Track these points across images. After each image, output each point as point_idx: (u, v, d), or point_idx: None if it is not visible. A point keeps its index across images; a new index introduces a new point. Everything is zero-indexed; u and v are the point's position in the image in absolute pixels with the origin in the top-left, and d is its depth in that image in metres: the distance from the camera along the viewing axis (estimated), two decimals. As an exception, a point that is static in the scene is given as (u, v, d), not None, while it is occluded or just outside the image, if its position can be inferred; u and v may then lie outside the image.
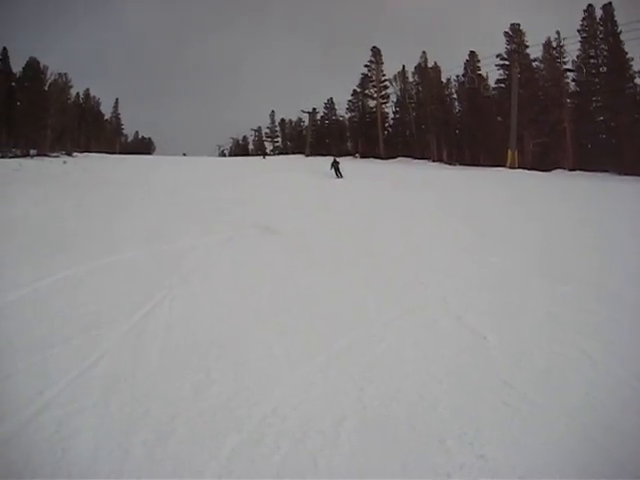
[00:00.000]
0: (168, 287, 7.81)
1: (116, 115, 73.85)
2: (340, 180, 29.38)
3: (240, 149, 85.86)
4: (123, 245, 10.18)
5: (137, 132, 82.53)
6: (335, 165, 31.88)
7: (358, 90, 63.42)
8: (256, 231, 12.16)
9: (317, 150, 61.38)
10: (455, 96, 56.21)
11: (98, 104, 69.69)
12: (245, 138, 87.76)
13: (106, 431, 4.09)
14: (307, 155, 59.97)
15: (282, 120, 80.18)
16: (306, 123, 70.98)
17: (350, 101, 64.55)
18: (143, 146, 79.20)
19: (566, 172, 40.00)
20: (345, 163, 36.30)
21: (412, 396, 4.83)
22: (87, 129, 63.84)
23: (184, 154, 66.19)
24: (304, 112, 69.25)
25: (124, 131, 77.20)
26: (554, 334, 6.41)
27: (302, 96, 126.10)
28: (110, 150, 59.71)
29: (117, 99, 74.22)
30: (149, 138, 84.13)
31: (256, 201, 17.26)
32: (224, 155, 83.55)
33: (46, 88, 53.27)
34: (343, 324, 6.55)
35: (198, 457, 3.81)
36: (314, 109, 69.53)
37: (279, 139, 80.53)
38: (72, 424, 4.16)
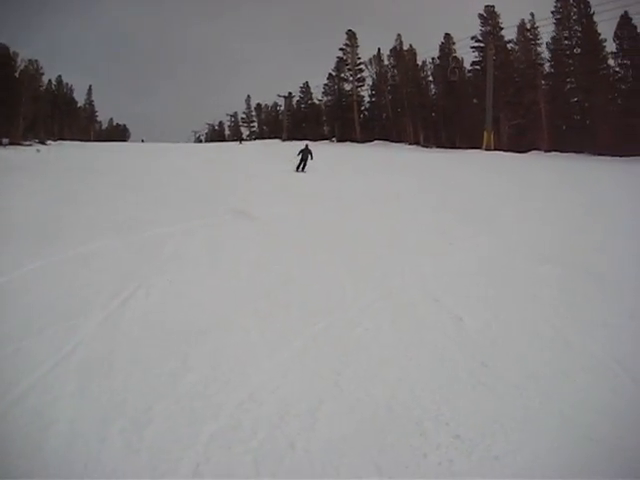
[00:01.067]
0: (144, 275, 7.72)
1: (90, 102, 72.96)
2: (302, 174, 23.54)
3: (216, 135, 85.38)
4: (98, 233, 10.03)
5: (111, 119, 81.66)
6: (304, 155, 24.77)
7: (334, 74, 63.25)
8: (232, 217, 12.09)
9: (294, 134, 61.20)
10: (431, 79, 56.15)
11: (71, 91, 68.77)
12: (221, 124, 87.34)
13: (82, 421, 4.04)
14: (284, 140, 59.82)
15: (258, 105, 79.88)
16: (282, 108, 70.70)
17: (326, 85, 64.41)
18: (118, 133, 78.37)
19: (542, 153, 40.27)
20: (322, 147, 36.14)
21: (389, 379, 4.85)
22: (60, 117, 62.92)
23: (142, 140, 65.56)
24: (280, 96, 69.10)
25: (98, 118, 76.29)
26: (531, 315, 6.50)
27: (278, 81, 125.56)
28: (84, 138, 58.95)
29: (90, 86, 73.38)
30: (124, 125, 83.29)
31: (232, 187, 17.12)
32: (200, 141, 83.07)
33: (17, 75, 52.29)
34: (320, 309, 6.54)
35: (175, 445, 3.79)
36: (290, 93, 69.34)
37: (255, 124, 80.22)
38: (48, 414, 4.11)
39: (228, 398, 4.43)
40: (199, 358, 5.17)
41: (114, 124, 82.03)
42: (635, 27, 41.86)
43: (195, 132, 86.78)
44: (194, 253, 9.12)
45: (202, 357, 5.20)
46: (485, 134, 42.28)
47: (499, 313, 6.53)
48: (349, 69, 61.94)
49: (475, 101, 48.23)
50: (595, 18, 43.88)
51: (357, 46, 61.44)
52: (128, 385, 4.60)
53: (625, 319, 6.38)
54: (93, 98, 73.15)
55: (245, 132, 79.91)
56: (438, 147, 49.14)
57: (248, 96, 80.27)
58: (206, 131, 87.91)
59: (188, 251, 9.21)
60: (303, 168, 24.63)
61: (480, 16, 50.11)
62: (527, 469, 3.68)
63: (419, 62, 56.86)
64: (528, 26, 48.45)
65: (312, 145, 26.99)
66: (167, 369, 4.91)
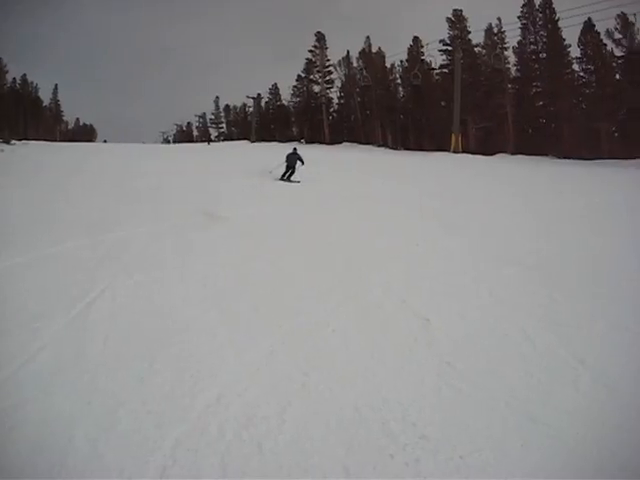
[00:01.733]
0: (112, 277, 7.68)
1: (55, 102, 71.72)
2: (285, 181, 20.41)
3: (184, 136, 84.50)
4: (64, 235, 9.93)
5: (78, 119, 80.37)
6: (290, 160, 21.03)
7: (303, 75, 63.02)
8: (202, 218, 12.03)
9: (262, 136, 60.98)
10: (399, 81, 56.39)
11: (36, 90, 67.51)
12: (189, 124, 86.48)
13: (48, 424, 4.01)
14: (252, 141, 59.51)
15: (227, 106, 79.31)
16: (251, 109, 70.43)
17: (295, 87, 64.15)
18: (85, 133, 77.12)
19: (508, 156, 40.73)
20: (289, 149, 35.98)
21: (356, 380, 4.89)
22: (25, 116, 61.77)
23: (104, 141, 64.58)
24: (249, 98, 68.66)
25: (64, 118, 75.02)
26: (496, 315, 6.60)
27: (247, 82, 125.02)
28: (50, 138, 57.92)
29: (56, 85, 71.92)
30: (91, 125, 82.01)
31: (201, 188, 17.02)
32: (168, 142, 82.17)
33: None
34: (288, 310, 6.59)
35: (142, 448, 3.79)
36: (259, 95, 68.97)
37: (224, 125, 79.67)
38: (13, 418, 4.07)
39: (195, 400, 4.43)
40: (166, 360, 5.16)
41: (80, 124, 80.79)
42: (598, 33, 42.60)
43: (163, 133, 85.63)
44: (162, 255, 9.07)
45: (169, 359, 5.19)
46: (453, 137, 42.64)
47: (465, 314, 6.62)
48: (318, 71, 61.85)
49: (443, 104, 48.54)
50: (560, 24, 44.57)
51: (326, 48, 61.41)
52: (94, 388, 4.58)
53: (587, 320, 6.49)
54: (59, 98, 71.94)
55: (213, 133, 79.34)
56: (406, 149, 49.38)
57: (217, 97, 79.62)
58: (174, 132, 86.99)
59: (156, 253, 9.16)
60: (289, 176, 20.63)
61: (448, 20, 50.45)
62: (491, 468, 3.74)
63: (388, 65, 57.08)
64: (495, 30, 48.93)
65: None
66: (134, 371, 4.90)
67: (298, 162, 21.12)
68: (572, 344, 5.74)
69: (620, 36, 41.79)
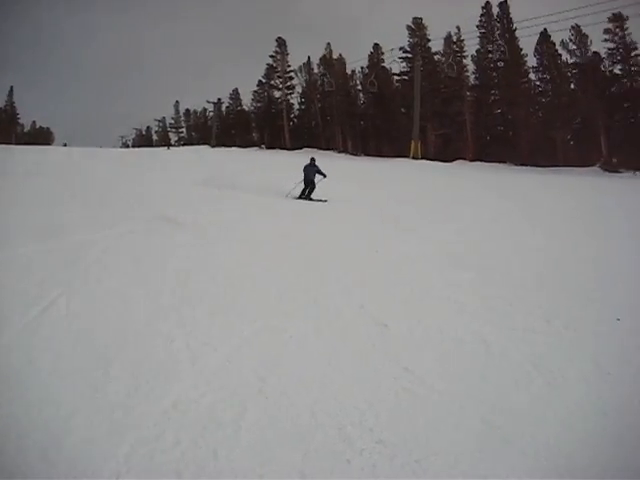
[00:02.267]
0: (66, 283, 7.48)
1: (11, 104, 70.33)
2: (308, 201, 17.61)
3: (143, 140, 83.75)
4: (17, 239, 9.68)
5: (34, 122, 78.95)
6: (307, 174, 18.28)
7: (263, 81, 63.09)
8: (160, 223, 11.87)
9: (223, 141, 60.78)
10: (360, 87, 56.81)
11: (-12, 93, 66.12)
12: (149, 129, 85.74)
13: (-3, 434, 3.91)
14: (213, 146, 59.25)
15: (187, 110, 78.88)
16: (211, 114, 70.15)
17: (256, 92, 64.16)
18: (41, 136, 75.72)
19: (467, 162, 41.35)
20: (250, 154, 35.98)
21: (313, 385, 4.85)
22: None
23: (65, 144, 63.35)
24: (209, 102, 68.44)
25: (20, 121, 73.60)
26: (453, 320, 6.60)
27: (207, 86, 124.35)
28: (5, 141, 56.67)
29: (12, 87, 70.67)
30: (47, 128, 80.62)
31: (160, 193, 16.82)
32: (127, 146, 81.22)
33: None
34: (245, 316, 6.48)
35: (95, 456, 3.71)
36: (219, 99, 68.84)
37: (184, 130, 79.18)
38: (-39, 428, 3.95)
39: (151, 407, 4.35)
40: (121, 367, 5.05)
41: (37, 127, 79.35)
42: (554, 44, 43.66)
43: (122, 137, 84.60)
44: (119, 260, 8.89)
45: (125, 366, 5.08)
46: (412, 143, 43.06)
47: (422, 319, 6.59)
48: (279, 76, 61.98)
49: (403, 110, 49.10)
50: (517, 34, 45.48)
51: (287, 53, 61.60)
52: (47, 396, 4.45)
53: (541, 323, 6.56)
54: (15, 100, 70.60)
55: (173, 138, 78.86)
56: (366, 155, 49.71)
57: (177, 101, 79.22)
58: (133, 136, 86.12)
59: (113, 258, 8.97)
60: (310, 193, 18.01)
61: (408, 27, 51.11)
62: (447, 472, 3.75)
63: (348, 71, 57.52)
64: (454, 39, 49.71)
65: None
66: (88, 379, 4.77)
67: (318, 175, 18.30)
68: (526, 348, 5.79)
69: (574, 47, 42.87)
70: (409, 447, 3.99)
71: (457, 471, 3.76)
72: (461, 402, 4.64)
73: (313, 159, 19.20)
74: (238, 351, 5.53)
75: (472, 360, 5.52)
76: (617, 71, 41.86)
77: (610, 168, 37.22)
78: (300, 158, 38.40)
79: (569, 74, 43.63)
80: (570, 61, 43.57)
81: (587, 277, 8.67)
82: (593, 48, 42.60)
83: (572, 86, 43.47)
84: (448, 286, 8.06)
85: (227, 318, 6.40)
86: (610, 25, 41.27)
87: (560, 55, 43.80)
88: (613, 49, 41.73)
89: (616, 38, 41.55)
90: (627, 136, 38.72)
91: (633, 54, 41.07)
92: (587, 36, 42.68)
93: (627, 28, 41.22)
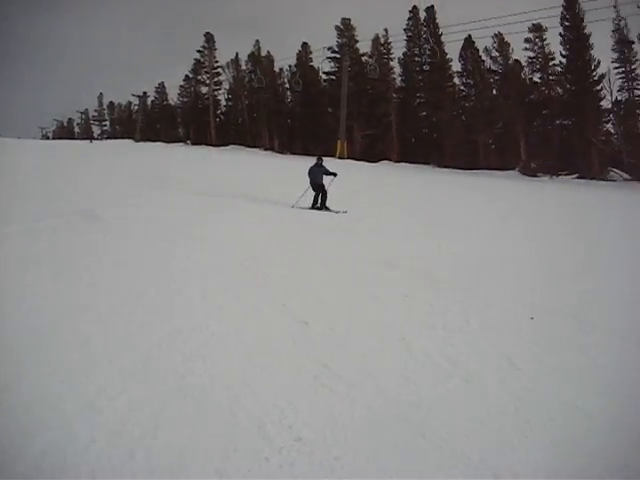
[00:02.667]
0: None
1: None
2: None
3: (65, 132, 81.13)
4: None
5: (-59, 110, 75.16)
6: (315, 178, 15.48)
7: (190, 76, 62.16)
8: (80, 218, 11.25)
9: (148, 135, 59.57)
10: (287, 86, 56.70)
11: None
12: (70, 121, 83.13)
13: None
14: (137, 140, 58.02)
15: (111, 103, 76.91)
16: (137, 107, 68.61)
17: (182, 87, 63.13)
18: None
19: (392, 163, 41.83)
20: (175, 149, 35.32)
21: (233, 383, 4.72)
22: None
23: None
24: (134, 96, 66.97)
25: None
26: (375, 318, 6.55)
27: (132, 79, 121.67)
28: None
29: None
30: (-41, 117, 76.93)
31: (81, 186, 16.05)
32: (47, 138, 78.49)
33: None
34: (166, 313, 6.22)
35: (3, 459, 3.46)
36: (145, 93, 67.42)
37: (107, 123, 77.18)
38: None
39: (65, 407, 4.01)
40: (35, 365, 4.63)
41: (-54, 115, 75.66)
42: (477, 50, 44.73)
43: (42, 128, 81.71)
44: (33, 255, 8.34)
45: (37, 365, 4.65)
46: (338, 143, 43.22)
47: (343, 316, 6.53)
48: (206, 72, 61.19)
49: (330, 110, 49.24)
50: (443, 39, 46.40)
51: (215, 49, 60.89)
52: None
53: (461, 322, 6.60)
54: None
55: (96, 131, 76.76)
56: (292, 154, 49.58)
57: (100, 94, 77.14)
58: (54, 128, 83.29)
59: (26, 253, 8.42)
60: (323, 202, 15.47)
61: (337, 28, 51.37)
62: (365, 469, 3.70)
63: (277, 69, 57.30)
64: (382, 41, 50.24)
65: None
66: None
67: (326, 177, 15.63)
68: (445, 346, 5.81)
69: (497, 54, 44.07)
70: (328, 444, 3.93)
71: (375, 467, 3.72)
72: (380, 399, 4.60)
73: (320, 158, 16.33)
74: (158, 349, 5.26)
75: (392, 357, 5.48)
76: (536, 79, 43.50)
77: (529, 172, 38.46)
78: (233, 155, 38.02)
79: (491, 80, 44.82)
80: (493, 67, 44.68)
81: (505, 277, 8.83)
82: (514, 56, 43.95)
83: (494, 92, 44.64)
84: (371, 284, 8.01)
85: (147, 316, 6.05)
86: (530, 35, 42.69)
87: (483, 61, 44.91)
88: (533, 58, 43.28)
89: (536, 47, 43.03)
90: (544, 142, 40.15)
91: (551, 63, 42.69)
92: (509, 44, 43.99)
93: (546, 39, 42.78)
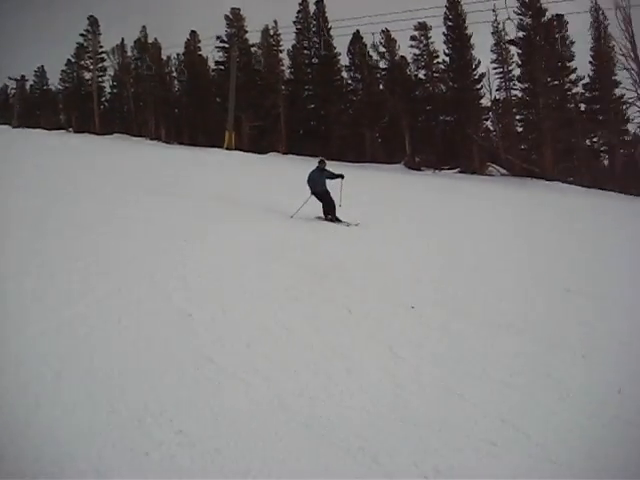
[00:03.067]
0: None
1: None
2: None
3: None
4: None
5: None
6: (317, 184, 13.82)
7: (73, 60, 59.20)
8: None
9: (27, 121, 56.38)
10: (175, 74, 55.23)
11: None
12: None
13: None
14: (14, 126, 54.87)
15: (-17, 87, 72.19)
16: (14, 91, 64.78)
17: (64, 71, 60.02)
18: None
19: (280, 155, 41.66)
20: (57, 137, 33.63)
21: (113, 378, 4.61)
22: None
23: None
24: (11, 79, 63.12)
25: None
26: (258, 309, 6.69)
27: (9, 62, 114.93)
28: None
29: None
30: None
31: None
32: None
33: None
34: (45, 306, 6.04)
35: None
36: (23, 76, 63.64)
37: (-21, 107, 72.41)
38: None
39: None
40: None
41: None
42: (365, 45, 45.29)
43: None
44: None
45: None
46: (227, 134, 42.50)
47: (227, 308, 6.58)
48: (90, 57, 58.48)
49: (219, 100, 48.34)
50: (332, 32, 46.61)
51: (99, 34, 58.12)
52: None
53: (344, 313, 6.85)
54: None
55: (-34, 116, 71.85)
56: (180, 144, 48.36)
57: (-28, 76, 72.22)
58: None
59: None
60: (332, 211, 13.77)
61: (226, 17, 50.48)
62: (246, 458, 3.75)
63: (164, 57, 55.57)
64: (272, 32, 49.85)
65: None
66: None
67: (325, 181, 13.95)
68: (329, 337, 5.97)
69: (384, 50, 44.79)
70: (209, 436, 3.96)
71: (256, 457, 3.77)
72: (262, 390, 4.68)
73: (322, 162, 14.33)
74: (33, 343, 5.10)
75: (276, 348, 5.59)
76: (421, 76, 44.47)
77: (413, 166, 39.42)
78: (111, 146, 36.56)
79: (378, 75, 45.52)
80: (380, 63, 45.42)
81: (386, 269, 9.24)
82: (401, 53, 44.80)
83: (381, 87, 45.34)
84: (257, 276, 8.13)
85: (25, 309, 5.87)
86: (416, 33, 43.63)
87: (371, 57, 45.51)
88: (418, 55, 44.21)
89: (421, 45, 44.04)
90: (429, 137, 41.35)
91: (435, 61, 43.83)
92: (395, 41, 44.73)
93: (431, 37, 43.84)
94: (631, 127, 39.85)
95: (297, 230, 11.72)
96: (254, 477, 3.59)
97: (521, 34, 40.67)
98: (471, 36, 42.17)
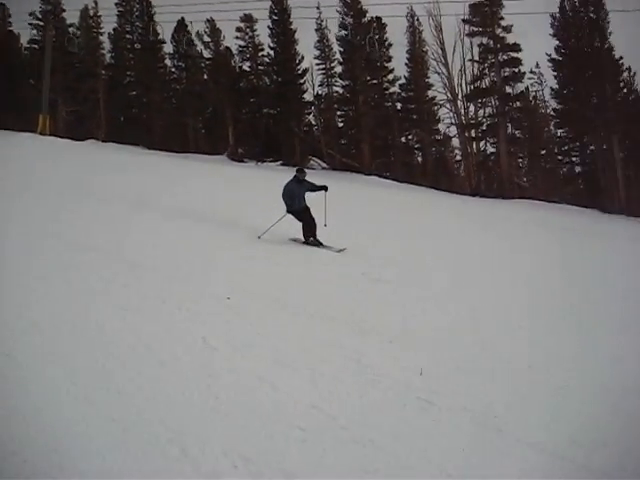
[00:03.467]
0: None
1: None
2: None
3: None
4: None
5: None
6: (296, 201, 11.65)
7: None
8: None
9: None
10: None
11: None
12: None
13: None
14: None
15: None
16: None
17: None
18: None
19: (99, 143, 40.01)
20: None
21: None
22: None
23: None
24: None
25: None
26: (71, 302, 6.58)
27: None
28: None
29: None
30: None
31: None
32: None
33: None
34: None
35: None
36: None
37: None
38: None
39: None
40: None
41: None
42: (190, 33, 44.70)
43: None
44: None
45: None
46: (41, 118, 39.97)
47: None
48: None
49: (32, 82, 45.29)
50: (156, 18, 45.44)
51: None
52: None
53: (157, 303, 6.88)
54: None
55: None
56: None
57: None
58: None
59: None
60: (313, 233, 11.61)
61: (41, -7, 47.33)
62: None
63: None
64: (91, 13, 47.54)
65: None
66: None
67: (309, 194, 11.98)
68: (140, 328, 5.96)
69: (209, 39, 44.42)
70: None
71: (104, 462, 3.63)
72: (67, 386, 4.57)
73: (301, 171, 12.18)
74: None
75: (79, 342, 5.48)
76: (246, 68, 44.90)
77: (236, 157, 39.61)
78: None
79: (203, 65, 45.10)
80: (204, 53, 45.03)
81: (198, 259, 9.41)
82: (226, 43, 44.75)
83: (205, 77, 44.97)
84: (65, 267, 7.97)
85: None
86: (242, 24, 43.78)
87: (196, 45, 44.98)
88: (243, 47, 44.45)
89: (246, 37, 44.30)
90: (252, 129, 41.88)
91: (260, 54, 44.37)
92: (220, 31, 44.63)
93: (256, 29, 44.29)
94: (442, 127, 42.93)
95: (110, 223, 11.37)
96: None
97: (343, 33, 42.18)
98: (295, 31, 43.23)
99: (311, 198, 11.89)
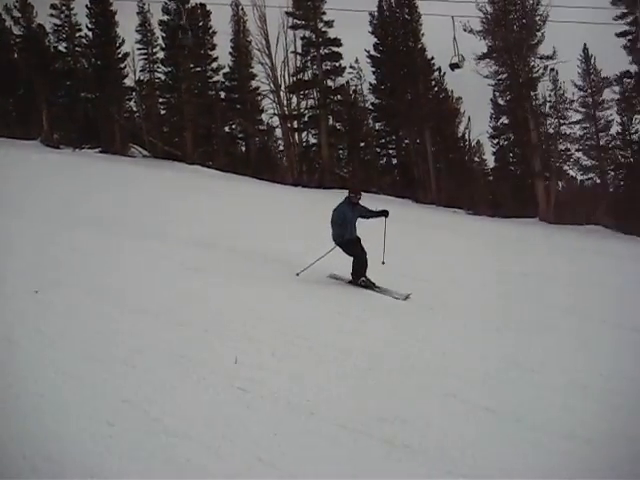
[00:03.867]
0: None
1: None
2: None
3: None
4: None
5: None
6: (345, 230, 9.61)
7: None
8: None
9: None
10: None
11: None
12: None
13: None
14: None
15: None
16: None
17: None
18: None
19: None
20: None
21: None
22: None
23: None
24: None
25: None
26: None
27: None
28: None
29: None
30: None
31: None
32: None
33: None
34: None
35: None
36: None
37: None
38: None
39: None
40: None
41: None
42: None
43: None
44: None
45: None
46: None
47: None
48: None
49: None
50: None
51: None
52: None
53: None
54: None
55: None
56: None
57: None
58: None
59: None
60: (364, 270, 9.54)
61: None
62: None
63: None
64: None
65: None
66: None
67: (353, 223, 9.85)
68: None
69: (19, 15, 41.45)
70: None
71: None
72: None
73: (356, 193, 10.01)
74: None
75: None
76: (62, 48, 42.42)
77: (52, 143, 37.46)
78: None
79: (12, 42, 41.97)
80: (14, 29, 41.95)
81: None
82: (39, 20, 41.94)
83: (15, 55, 41.94)
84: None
85: None
86: (57, 1, 41.39)
87: (4, 20, 41.76)
88: (59, 26, 41.96)
89: (62, 15, 41.85)
90: (69, 114, 40.08)
91: (77, 35, 42.12)
92: (33, 6, 41.82)
93: (73, 8, 41.98)
94: (265, 117, 43.70)
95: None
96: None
97: (165, 17, 41.30)
98: (116, 13, 41.57)
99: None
